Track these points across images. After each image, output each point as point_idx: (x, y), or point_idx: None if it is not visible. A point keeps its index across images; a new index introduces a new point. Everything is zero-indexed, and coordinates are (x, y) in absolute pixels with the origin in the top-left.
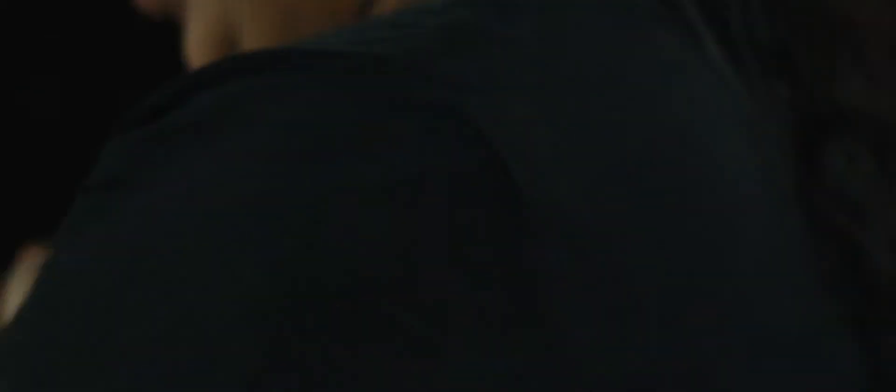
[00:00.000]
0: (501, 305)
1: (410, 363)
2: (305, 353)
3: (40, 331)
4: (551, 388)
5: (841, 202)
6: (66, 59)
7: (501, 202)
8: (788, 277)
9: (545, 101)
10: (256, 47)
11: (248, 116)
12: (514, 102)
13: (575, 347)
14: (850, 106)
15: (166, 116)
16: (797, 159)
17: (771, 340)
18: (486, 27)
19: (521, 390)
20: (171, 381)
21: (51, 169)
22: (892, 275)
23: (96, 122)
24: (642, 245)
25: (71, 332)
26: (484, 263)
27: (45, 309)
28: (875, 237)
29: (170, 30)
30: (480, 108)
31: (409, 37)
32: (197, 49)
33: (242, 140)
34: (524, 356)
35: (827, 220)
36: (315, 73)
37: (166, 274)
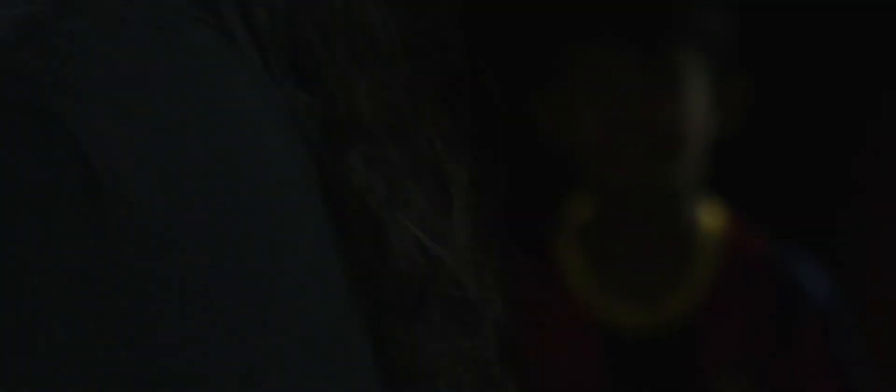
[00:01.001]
0: (90, 303)
1: (5, 361)
2: None
3: None
4: (136, 387)
5: (366, 200)
6: None
7: (88, 201)
8: (326, 275)
9: (117, 99)
10: None
11: None
12: (91, 100)
13: (154, 346)
14: (364, 112)
15: None
16: (324, 161)
17: (314, 340)
18: (50, 23)
19: (111, 389)
20: None
21: None
22: (413, 269)
23: None
24: (209, 245)
25: None
26: (73, 262)
27: None
28: (397, 230)
29: None
30: (64, 105)
31: None
32: None
33: None
34: (112, 354)
35: (354, 217)
36: None
37: None
